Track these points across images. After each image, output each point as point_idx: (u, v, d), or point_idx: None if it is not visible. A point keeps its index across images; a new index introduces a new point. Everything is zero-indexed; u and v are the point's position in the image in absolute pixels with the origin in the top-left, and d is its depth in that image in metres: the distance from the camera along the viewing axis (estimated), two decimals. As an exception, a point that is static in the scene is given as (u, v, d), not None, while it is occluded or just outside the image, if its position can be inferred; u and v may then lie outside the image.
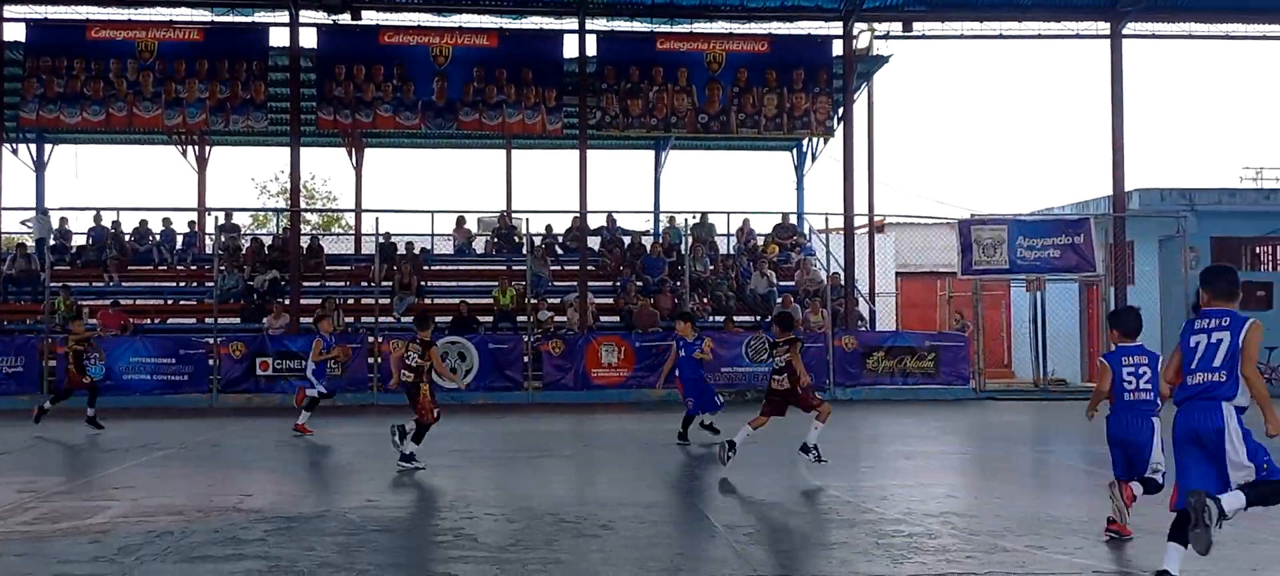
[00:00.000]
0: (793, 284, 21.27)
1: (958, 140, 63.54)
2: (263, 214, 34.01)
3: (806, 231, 24.46)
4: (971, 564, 6.22)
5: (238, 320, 19.56)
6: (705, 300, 20.72)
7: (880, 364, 18.83)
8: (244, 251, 21.67)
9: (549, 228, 23.16)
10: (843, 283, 20.56)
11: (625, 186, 48.22)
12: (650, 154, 26.57)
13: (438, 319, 19.52)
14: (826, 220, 23.72)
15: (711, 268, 21.41)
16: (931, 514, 7.88)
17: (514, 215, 24.19)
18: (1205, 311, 5.91)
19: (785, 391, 10.05)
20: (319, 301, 19.11)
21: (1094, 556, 6.36)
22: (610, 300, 20.86)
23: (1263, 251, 21.02)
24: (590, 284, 20.11)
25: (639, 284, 20.58)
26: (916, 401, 18.02)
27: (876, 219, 24.45)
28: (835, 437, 12.86)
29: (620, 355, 18.37)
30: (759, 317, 20.66)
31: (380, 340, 18.08)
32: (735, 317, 20.02)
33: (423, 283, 21.03)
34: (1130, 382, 6.85)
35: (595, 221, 22.72)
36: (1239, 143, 65.28)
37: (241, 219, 27.05)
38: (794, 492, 8.77)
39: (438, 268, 22.33)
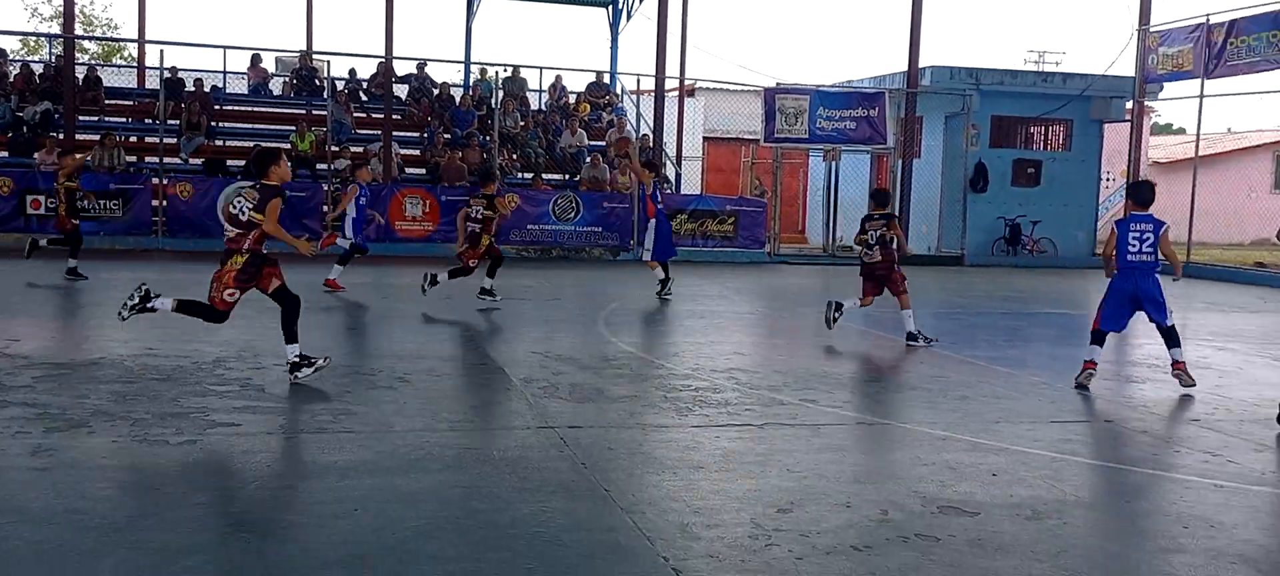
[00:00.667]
0: (603, 144, 21.35)
1: (769, 8, 64.35)
2: (34, 39, 31.10)
3: (619, 91, 24.47)
4: (749, 415, 6.61)
5: (5, 154, 18.03)
6: (514, 156, 20.55)
7: (683, 226, 19.28)
8: (12, 79, 19.82)
9: (353, 72, 22.22)
10: (652, 145, 20.78)
11: (435, 34, 46.63)
12: (462, 1, 25.72)
13: (229, 163, 18.63)
14: (639, 81, 23.79)
15: (522, 123, 21.17)
16: (718, 369, 8.28)
17: (315, 56, 23.05)
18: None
19: (876, 264, 10.05)
20: (97, 137, 17.81)
21: (860, 409, 6.87)
22: (417, 152, 20.38)
23: (1036, 131, 22.53)
24: (396, 134, 19.54)
25: (447, 137, 20.17)
26: (715, 263, 18.64)
27: (687, 83, 24.70)
28: (636, 297, 13.22)
29: (425, 208, 18.06)
30: (568, 176, 20.70)
31: (165, 182, 17.10)
32: (544, 175, 19.99)
33: (213, 123, 19.88)
34: (1134, 246, 7.86)
35: (402, 68, 21.97)
36: (1026, 27, 68.99)
37: (9, 43, 24.65)
38: (590, 350, 9.00)
39: (230, 108, 21.11)
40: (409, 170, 19.68)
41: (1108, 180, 26.20)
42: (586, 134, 21.55)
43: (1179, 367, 7.95)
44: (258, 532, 4.24)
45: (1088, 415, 6.99)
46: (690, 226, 19.28)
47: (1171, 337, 7.98)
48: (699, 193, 22.28)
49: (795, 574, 3.91)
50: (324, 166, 18.31)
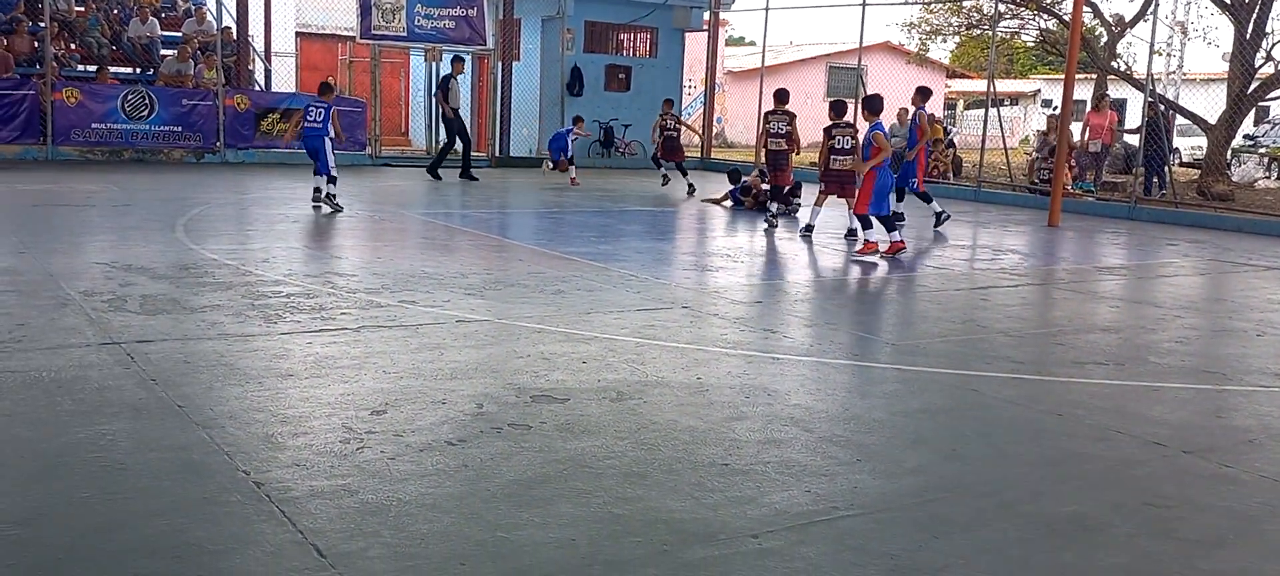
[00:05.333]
0: (180, 35, 19.43)
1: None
2: None
3: (196, -23, 22.32)
4: (345, 320, 6.40)
5: None
6: (73, 46, 18.19)
7: (275, 126, 18.20)
8: None
9: None
10: (236, 38, 19.26)
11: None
12: None
13: None
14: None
15: (82, 9, 18.71)
16: (313, 274, 7.94)
17: None
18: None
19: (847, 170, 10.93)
20: None
21: (460, 308, 6.89)
22: (-55, 37, 17.38)
23: (626, 38, 23.53)
24: (-87, 14, 16.53)
25: (-16, 20, 17.38)
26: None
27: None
28: (222, 201, 12.29)
29: (-39, 103, 15.54)
30: (139, 69, 18.68)
31: None
32: (111, 68, 17.90)
33: None
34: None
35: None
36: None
37: None
38: (167, 258, 8.25)
39: None
40: (-65, 59, 16.76)
41: (690, 87, 28.05)
42: (159, 23, 19.50)
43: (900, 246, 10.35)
44: None
45: (668, 302, 7.50)
46: (283, 126, 18.21)
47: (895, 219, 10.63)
48: (294, 91, 21.03)
49: (388, 474, 3.85)
50: None
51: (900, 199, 12.29)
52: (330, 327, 6.17)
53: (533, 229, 12.24)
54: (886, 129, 10.53)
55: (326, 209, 11.93)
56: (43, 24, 16.90)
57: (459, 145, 17.42)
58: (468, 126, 17.54)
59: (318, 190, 12.13)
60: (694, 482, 3.92)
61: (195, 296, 6.82)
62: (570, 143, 17.93)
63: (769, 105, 13.26)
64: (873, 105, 10.47)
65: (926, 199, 12.73)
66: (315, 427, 4.33)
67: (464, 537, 3.34)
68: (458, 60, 17.71)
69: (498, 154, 20.75)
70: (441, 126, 21.26)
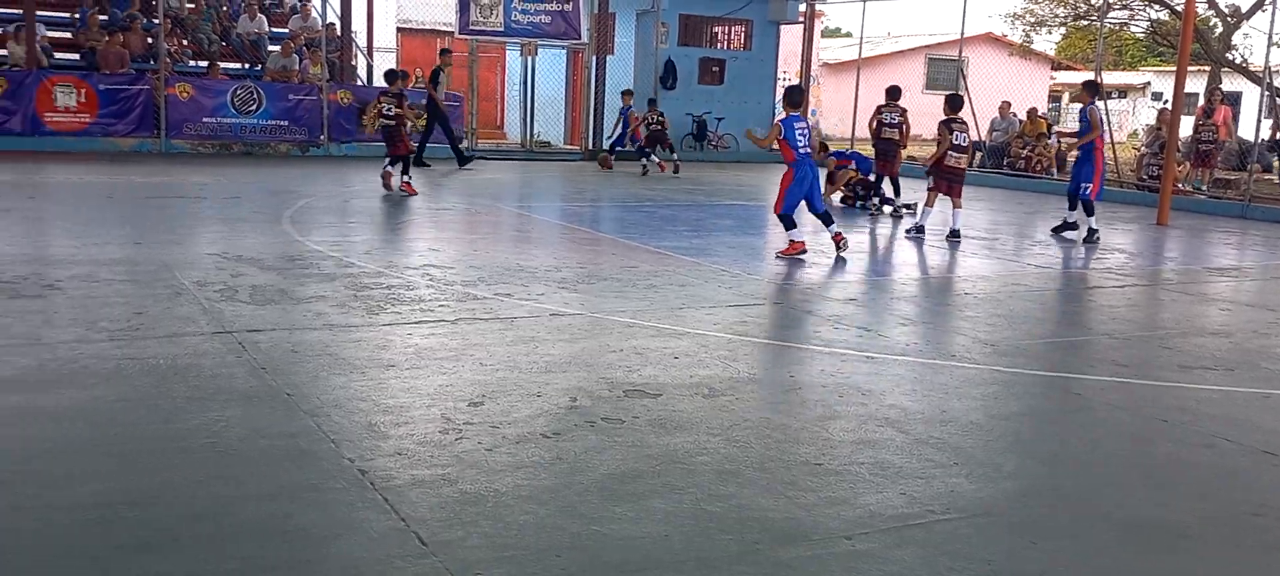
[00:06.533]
0: (288, 31, 20.02)
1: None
2: None
3: (301, -26, 22.95)
4: (443, 311, 6.55)
5: None
6: (185, 42, 18.88)
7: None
8: None
9: (-17, -59, 19.39)
10: (340, 33, 19.77)
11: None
12: None
13: None
14: (324, -36, 22.40)
15: (192, 5, 19.42)
16: (412, 266, 8.12)
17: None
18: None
19: (962, 169, 10.97)
20: None
21: (553, 302, 6.98)
22: (68, 35, 18.21)
23: (720, 31, 23.46)
24: (41, 14, 17.32)
25: (103, 18, 18.14)
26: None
27: (378, -33, 23.55)
28: (326, 193, 12.66)
29: (80, 98, 16.25)
30: (247, 65, 19.30)
31: None
32: (221, 63, 18.53)
33: None
34: (801, 140, 9.16)
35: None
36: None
37: None
38: (274, 250, 8.53)
39: None
40: (59, 55, 17.58)
41: (784, 79, 27.81)
42: (267, 20, 20.12)
43: (837, 238, 9.49)
44: None
45: (761, 298, 7.47)
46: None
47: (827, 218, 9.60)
48: (392, 86, 21.45)
49: (485, 465, 3.94)
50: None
51: (1072, 209, 11.73)
52: (429, 319, 6.31)
53: (625, 222, 12.30)
54: (809, 124, 9.38)
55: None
56: (157, 21, 17.58)
57: (434, 134, 17.75)
58: (450, 119, 17.92)
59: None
60: (787, 481, 3.91)
61: (301, 287, 7.04)
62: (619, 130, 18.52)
63: (881, 99, 13.88)
64: (791, 97, 9.44)
65: (1089, 210, 11.49)
66: (416, 417, 4.44)
67: (559, 530, 3.40)
68: (445, 52, 18.27)
69: (590, 147, 20.89)
70: (534, 119, 21.54)
